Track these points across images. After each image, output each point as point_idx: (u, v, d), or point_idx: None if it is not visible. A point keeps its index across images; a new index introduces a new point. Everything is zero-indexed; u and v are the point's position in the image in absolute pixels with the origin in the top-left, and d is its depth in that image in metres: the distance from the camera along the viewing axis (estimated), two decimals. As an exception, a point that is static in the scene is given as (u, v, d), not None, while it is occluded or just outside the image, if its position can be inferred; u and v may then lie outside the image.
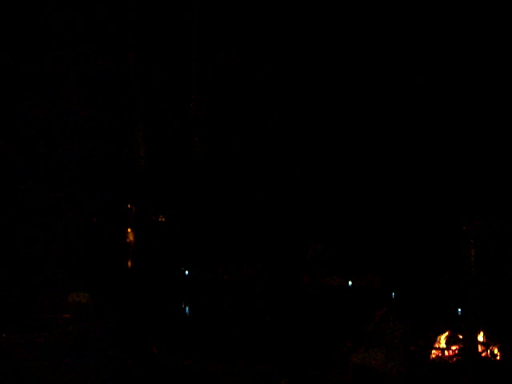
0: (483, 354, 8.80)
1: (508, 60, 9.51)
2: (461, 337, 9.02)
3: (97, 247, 10.39)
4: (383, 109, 10.20)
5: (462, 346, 8.93)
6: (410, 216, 9.96)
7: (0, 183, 10.26)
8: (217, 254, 10.37)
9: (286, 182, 10.45)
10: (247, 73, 10.75)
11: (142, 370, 7.49)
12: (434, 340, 9.05)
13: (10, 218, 10.13)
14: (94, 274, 9.81)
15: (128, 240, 10.76)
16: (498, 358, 8.71)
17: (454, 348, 8.96)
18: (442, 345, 9.00)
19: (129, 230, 10.81)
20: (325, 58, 10.46)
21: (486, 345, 8.83)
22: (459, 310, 9.32)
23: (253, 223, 10.45)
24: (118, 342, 7.96)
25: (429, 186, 9.93)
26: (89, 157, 10.70)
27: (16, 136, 10.46)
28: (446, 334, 9.05)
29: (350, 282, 9.61)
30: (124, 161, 10.88)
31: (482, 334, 8.91)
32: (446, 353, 8.95)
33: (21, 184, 10.39)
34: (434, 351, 8.95)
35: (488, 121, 9.67)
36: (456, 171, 9.85)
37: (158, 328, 8.67)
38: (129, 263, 10.51)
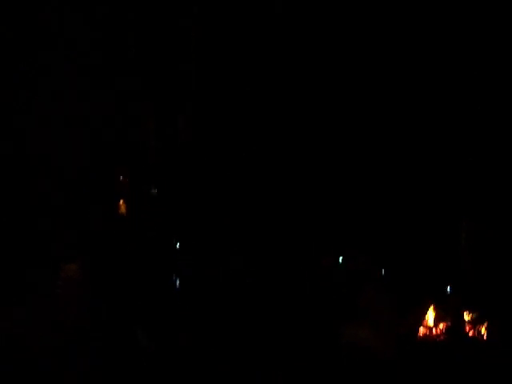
0: (470, 334, 8.88)
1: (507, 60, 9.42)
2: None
3: (89, 219, 10.39)
4: (385, 103, 10.14)
5: (449, 324, 9.00)
6: (402, 197, 9.99)
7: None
8: (210, 229, 10.40)
9: (282, 168, 10.45)
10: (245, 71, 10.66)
11: (129, 362, 7.55)
12: (423, 318, 9.11)
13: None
14: (86, 247, 9.81)
15: (120, 211, 10.77)
16: (485, 337, 8.80)
17: (441, 326, 9.03)
18: (430, 323, 9.07)
19: (121, 201, 10.81)
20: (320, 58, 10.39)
21: (473, 324, 8.90)
22: (448, 287, 9.36)
23: (248, 201, 10.46)
24: (106, 324, 8.01)
25: (422, 173, 9.94)
26: (86, 130, 10.65)
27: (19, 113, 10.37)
28: (435, 311, 9.11)
29: (340, 261, 9.66)
30: (121, 134, 10.84)
31: (469, 312, 8.98)
32: (434, 331, 9.02)
33: (17, 160, 10.34)
34: (421, 329, 9.02)
35: (488, 118, 9.62)
36: (453, 160, 9.84)
37: (147, 307, 8.70)
38: (120, 235, 10.52)
